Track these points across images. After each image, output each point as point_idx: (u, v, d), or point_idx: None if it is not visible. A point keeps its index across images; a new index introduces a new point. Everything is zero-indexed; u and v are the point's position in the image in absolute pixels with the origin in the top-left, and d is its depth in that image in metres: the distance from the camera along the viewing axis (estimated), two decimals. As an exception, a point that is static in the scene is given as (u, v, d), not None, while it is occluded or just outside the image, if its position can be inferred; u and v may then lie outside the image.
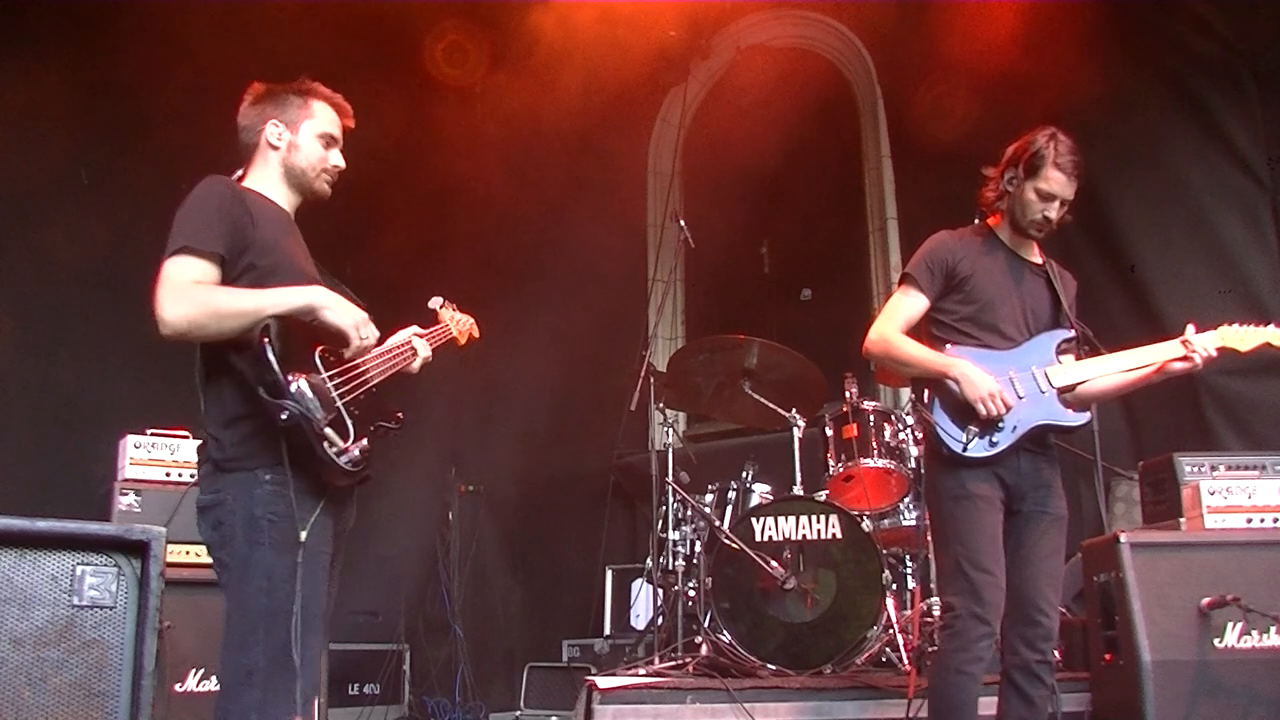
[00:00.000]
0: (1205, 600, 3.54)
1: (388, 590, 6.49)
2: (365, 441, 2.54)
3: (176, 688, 3.53)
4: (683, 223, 5.39)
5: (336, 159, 2.77)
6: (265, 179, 2.71)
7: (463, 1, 6.79)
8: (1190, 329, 3.19)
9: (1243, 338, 3.24)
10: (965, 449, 3.04)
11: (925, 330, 3.26)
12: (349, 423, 2.52)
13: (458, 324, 3.20)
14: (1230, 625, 3.54)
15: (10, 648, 2.30)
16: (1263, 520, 3.85)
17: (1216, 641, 3.54)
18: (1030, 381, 3.13)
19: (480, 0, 6.80)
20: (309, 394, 2.40)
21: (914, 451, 4.67)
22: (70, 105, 5.24)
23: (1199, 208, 5.32)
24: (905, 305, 3.24)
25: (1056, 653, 4.29)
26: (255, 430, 2.41)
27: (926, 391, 3.19)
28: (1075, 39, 5.58)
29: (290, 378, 2.38)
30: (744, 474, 4.96)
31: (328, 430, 2.42)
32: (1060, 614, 4.43)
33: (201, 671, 3.57)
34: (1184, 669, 3.49)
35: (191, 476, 4.20)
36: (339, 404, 2.49)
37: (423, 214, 6.88)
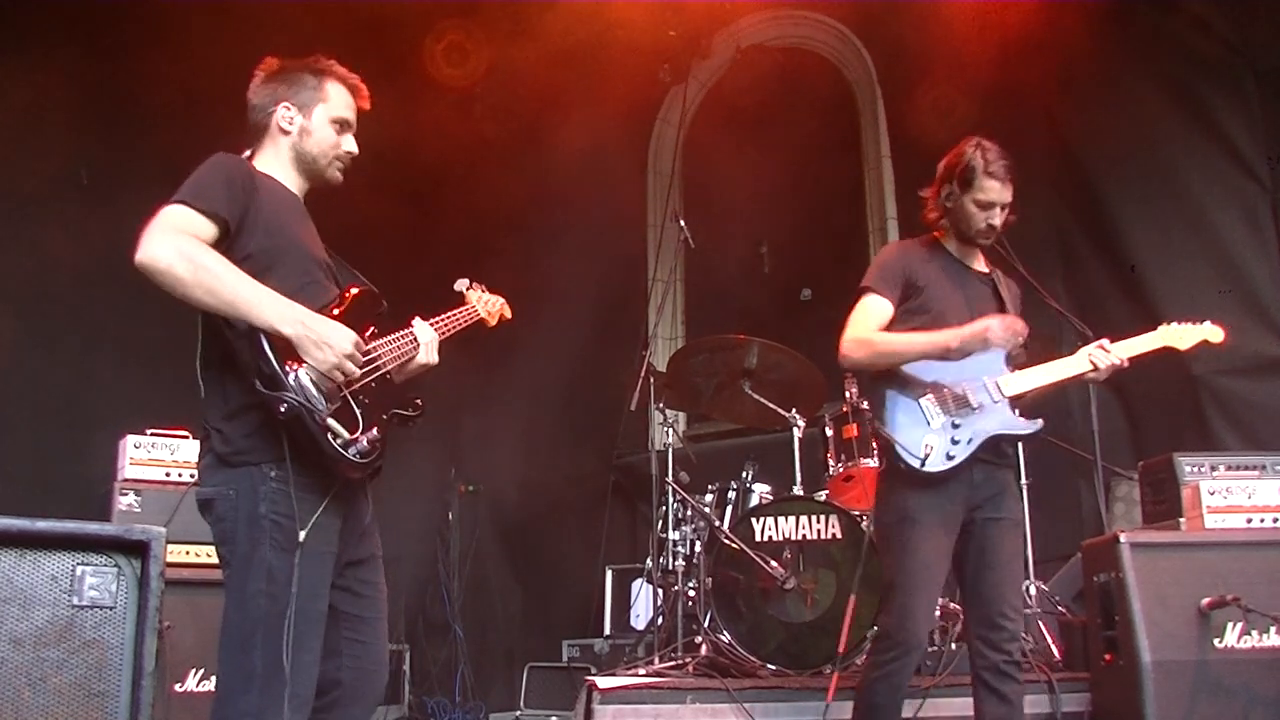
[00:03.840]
0: (1205, 600, 3.54)
1: (388, 590, 6.48)
2: (375, 431, 2.43)
3: (176, 688, 3.53)
4: (683, 223, 5.39)
5: (350, 145, 2.65)
6: (275, 162, 2.59)
7: (463, 1, 6.79)
8: (1104, 342, 3.24)
9: (1181, 336, 3.30)
10: (924, 464, 3.04)
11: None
12: (357, 412, 2.39)
13: (486, 305, 3.07)
14: (1230, 625, 3.54)
15: (10, 648, 2.29)
16: (1263, 520, 3.85)
17: (1216, 641, 3.53)
18: (983, 391, 3.15)
19: (480, 0, 6.80)
20: (308, 384, 2.28)
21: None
22: (70, 105, 5.24)
23: (1199, 208, 5.31)
24: (872, 309, 3.21)
25: (1056, 652, 4.31)
26: (262, 423, 2.30)
27: (878, 407, 3.21)
28: (1075, 39, 5.58)
29: (288, 367, 2.26)
30: (744, 474, 4.96)
31: (331, 421, 2.31)
32: (1060, 614, 4.46)
33: (201, 671, 3.57)
34: (1184, 669, 3.49)
35: (191, 476, 4.20)
36: (344, 392, 2.36)
37: (421, 214, 6.88)
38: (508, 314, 3.16)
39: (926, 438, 3.05)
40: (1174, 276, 5.34)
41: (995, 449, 3.16)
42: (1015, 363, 3.26)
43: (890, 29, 6.70)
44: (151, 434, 4.31)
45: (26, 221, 5.13)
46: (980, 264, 3.37)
